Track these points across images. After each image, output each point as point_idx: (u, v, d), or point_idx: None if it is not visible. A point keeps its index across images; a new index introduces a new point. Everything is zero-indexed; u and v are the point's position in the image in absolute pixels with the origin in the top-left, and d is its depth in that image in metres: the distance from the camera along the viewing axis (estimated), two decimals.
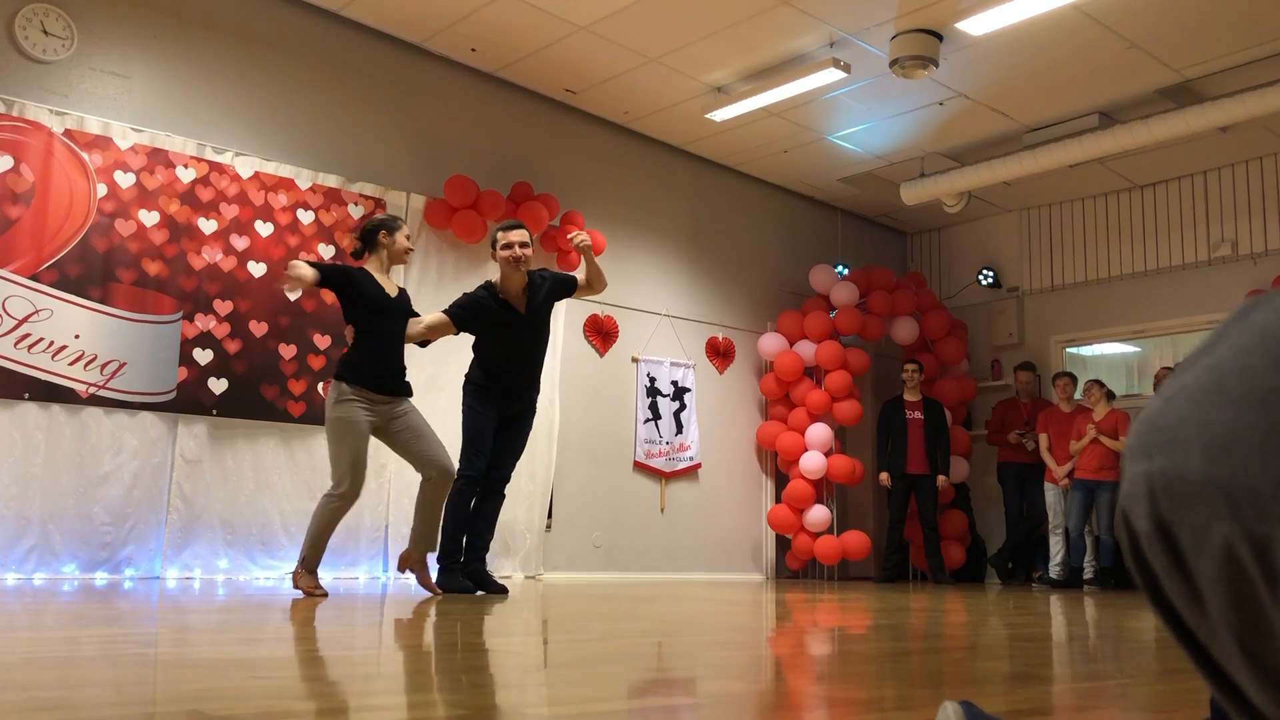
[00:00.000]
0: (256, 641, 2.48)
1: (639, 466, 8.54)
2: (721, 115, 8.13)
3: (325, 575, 6.70)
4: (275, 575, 6.58)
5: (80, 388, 6.03)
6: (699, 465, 8.91)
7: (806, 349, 9.26)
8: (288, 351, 6.77)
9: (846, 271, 9.83)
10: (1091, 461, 8.46)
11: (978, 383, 10.11)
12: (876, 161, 9.20)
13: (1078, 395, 8.92)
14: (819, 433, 9.00)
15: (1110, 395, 8.65)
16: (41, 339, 5.93)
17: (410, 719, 1.40)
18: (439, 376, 7.06)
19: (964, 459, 9.64)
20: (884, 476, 9.13)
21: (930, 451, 9.10)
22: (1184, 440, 0.46)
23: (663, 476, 8.67)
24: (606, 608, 4.43)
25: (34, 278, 5.94)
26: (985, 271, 10.29)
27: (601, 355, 8.40)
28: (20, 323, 5.87)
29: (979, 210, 10.10)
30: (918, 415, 9.19)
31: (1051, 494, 8.76)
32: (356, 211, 7.12)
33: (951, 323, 9.98)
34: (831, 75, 7.29)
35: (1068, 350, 10.12)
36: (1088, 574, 8.53)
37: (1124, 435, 8.48)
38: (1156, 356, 9.89)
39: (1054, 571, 8.65)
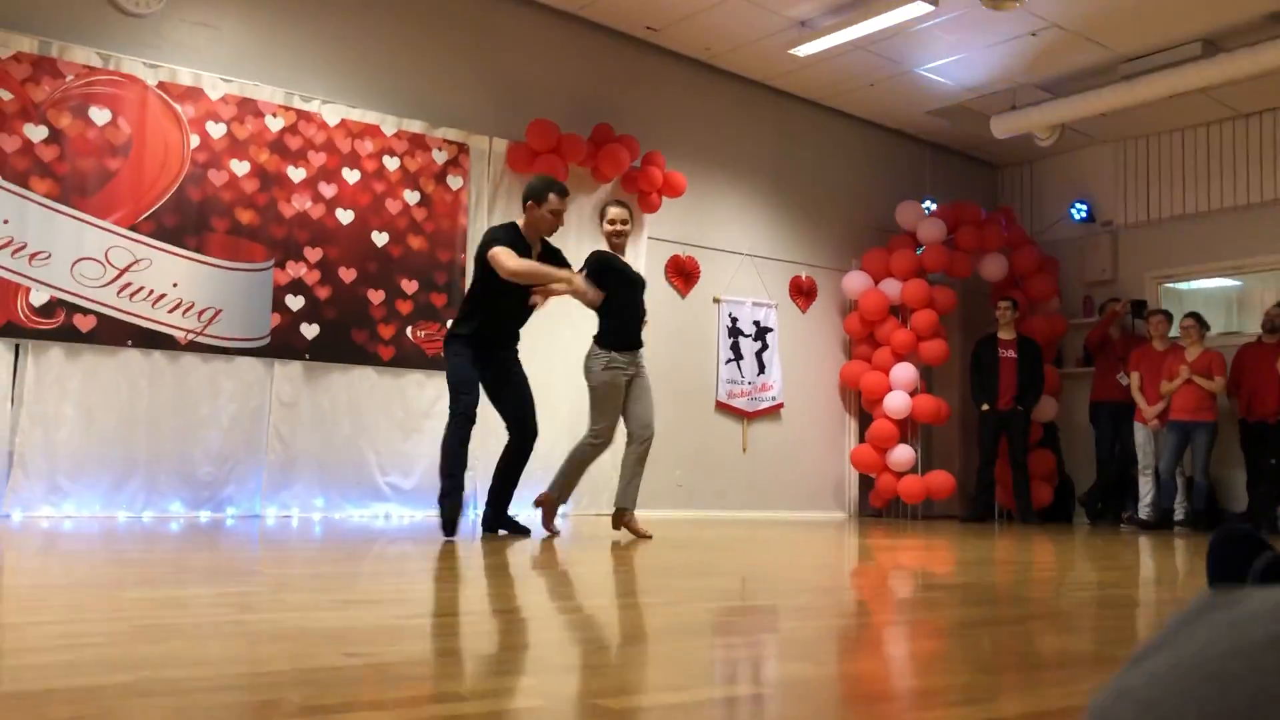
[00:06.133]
0: (350, 605, 2.60)
1: (721, 407, 8.59)
2: (806, 50, 8.00)
3: (415, 514, 6.92)
4: (369, 514, 6.80)
5: (179, 334, 6.26)
6: (781, 405, 8.92)
7: (892, 287, 9.16)
8: (376, 297, 6.92)
9: (934, 207, 9.64)
10: (1188, 402, 8.27)
11: (1068, 320, 9.90)
12: (966, 94, 8.96)
13: (1173, 332, 8.70)
14: (904, 372, 8.94)
15: (1204, 329, 8.42)
16: (142, 288, 6.15)
17: (485, 711, 1.48)
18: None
19: (1053, 398, 9.50)
20: (985, 406, 9.06)
21: (1022, 389, 8.99)
22: None
23: (745, 416, 8.71)
24: (684, 559, 4.50)
25: (133, 228, 6.15)
26: (1078, 205, 10.01)
27: (683, 296, 8.42)
28: (122, 272, 6.09)
29: (1072, 142, 9.80)
30: (1011, 354, 9.06)
31: (1141, 434, 8.60)
32: (440, 157, 7.19)
33: (1042, 259, 9.76)
34: (919, 9, 7.11)
35: (1164, 286, 9.84)
36: (1179, 516, 8.39)
37: (1218, 375, 8.26)
38: (1259, 291, 9.56)
39: (1143, 512, 8.52)
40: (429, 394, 7.11)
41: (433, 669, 1.81)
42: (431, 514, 7.04)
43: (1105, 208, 10.04)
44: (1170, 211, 9.61)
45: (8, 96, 5.86)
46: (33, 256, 5.86)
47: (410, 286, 7.07)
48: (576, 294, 5.32)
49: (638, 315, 5.52)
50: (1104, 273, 9.96)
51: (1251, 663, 0.44)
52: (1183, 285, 9.92)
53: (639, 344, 5.51)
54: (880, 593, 3.59)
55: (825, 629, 2.50)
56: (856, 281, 9.26)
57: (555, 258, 5.53)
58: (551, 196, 5.35)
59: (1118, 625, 2.74)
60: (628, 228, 5.52)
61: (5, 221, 5.81)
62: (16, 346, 5.84)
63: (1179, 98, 8.41)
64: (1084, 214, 10.00)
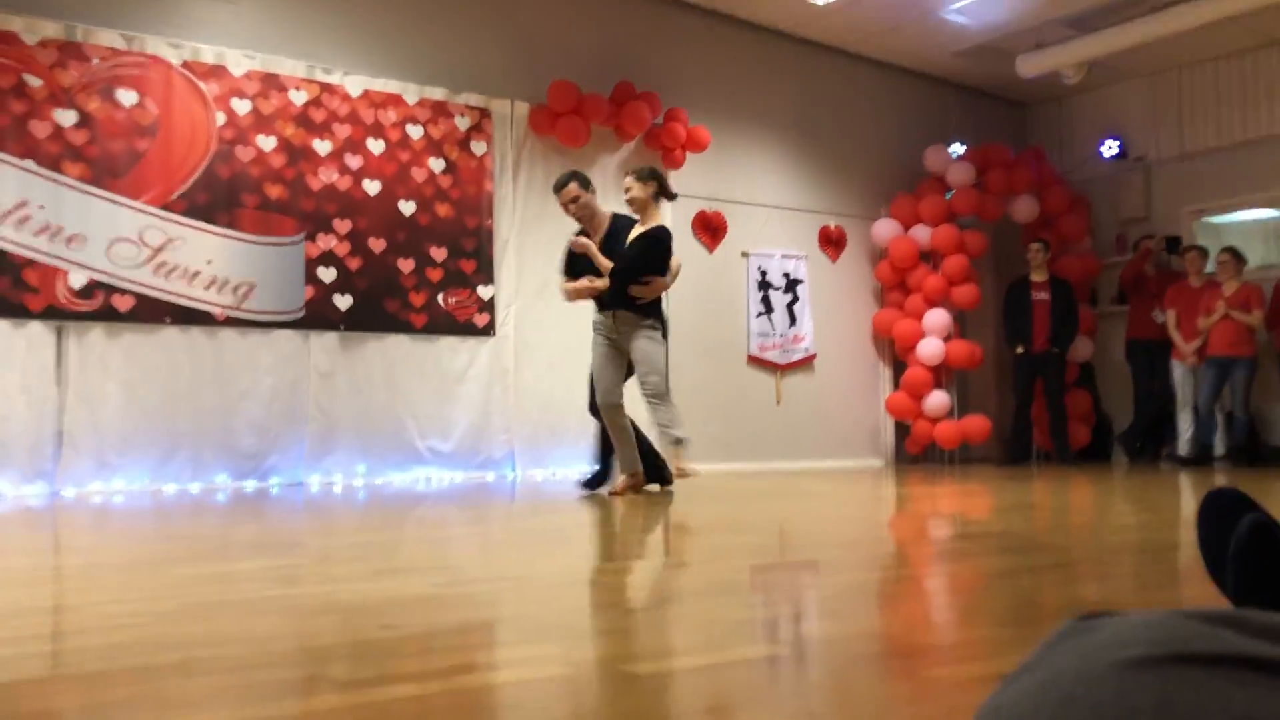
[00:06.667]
0: (389, 575, 2.68)
1: (753, 360, 8.62)
2: None
3: (456, 475, 7.03)
4: (410, 478, 6.93)
5: (216, 310, 6.36)
6: (814, 356, 8.94)
7: (922, 233, 9.11)
8: (406, 266, 6.99)
9: (963, 150, 9.55)
10: (1226, 337, 8.20)
11: (1102, 259, 9.81)
12: (991, 33, 8.84)
13: (1210, 267, 8.60)
14: (937, 318, 8.92)
15: (1241, 263, 8.31)
16: (177, 266, 6.26)
17: (515, 679, 1.54)
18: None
19: (1088, 338, 9.44)
20: (1020, 349, 9.07)
21: (1056, 331, 8.96)
22: None
23: (778, 369, 8.74)
24: (718, 514, 4.57)
25: (165, 207, 6.24)
26: (1110, 142, 9.87)
27: (711, 251, 8.43)
28: (156, 251, 6.19)
29: (1102, 78, 9.64)
30: (1044, 296, 9.02)
31: (1179, 371, 8.55)
32: (463, 123, 7.22)
33: (1073, 198, 9.66)
34: None
35: (1201, 220, 9.70)
36: (1219, 451, 8.36)
37: (1256, 309, 8.17)
38: None
39: (1183, 449, 8.49)
40: (462, 359, 7.21)
41: (466, 639, 1.88)
42: (474, 475, 7.16)
43: (1137, 143, 9.89)
44: (1205, 144, 9.45)
45: (37, 83, 5.94)
46: (70, 239, 5.97)
47: (439, 254, 7.13)
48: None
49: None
50: (1137, 209, 9.83)
51: (1092, 687, 0.50)
52: (1220, 219, 9.78)
53: (608, 304, 5.43)
54: (913, 544, 3.63)
55: (854, 584, 2.55)
56: (886, 229, 9.22)
57: (619, 237, 5.47)
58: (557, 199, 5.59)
59: (1153, 571, 2.76)
60: (629, 194, 5.45)
61: (41, 206, 5.91)
62: (59, 329, 5.98)
63: (1210, 26, 8.24)
64: (1116, 150, 9.86)
